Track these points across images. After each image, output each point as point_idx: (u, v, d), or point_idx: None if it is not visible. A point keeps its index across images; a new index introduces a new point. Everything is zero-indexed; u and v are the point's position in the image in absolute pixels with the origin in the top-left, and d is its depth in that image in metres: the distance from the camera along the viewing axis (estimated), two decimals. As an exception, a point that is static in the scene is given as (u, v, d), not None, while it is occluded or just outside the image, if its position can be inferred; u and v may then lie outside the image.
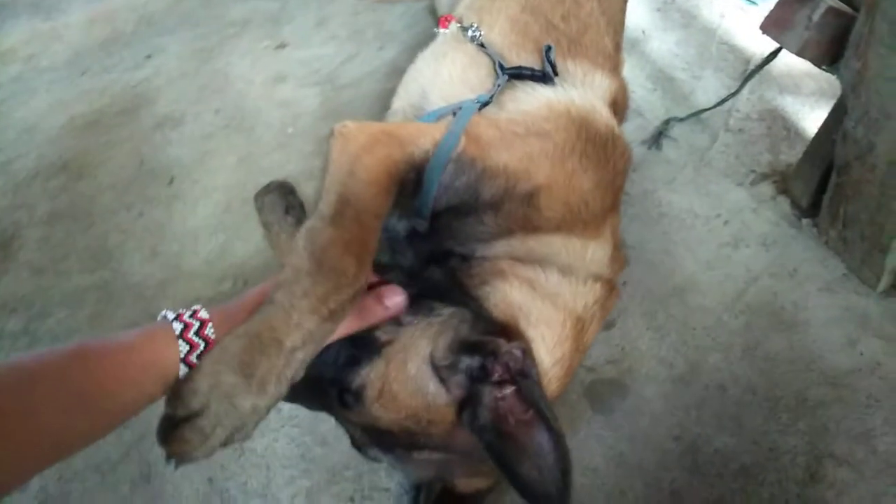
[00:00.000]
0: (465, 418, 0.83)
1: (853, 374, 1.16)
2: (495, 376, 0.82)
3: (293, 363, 0.72)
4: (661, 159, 1.59)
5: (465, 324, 0.88)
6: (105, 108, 2.22)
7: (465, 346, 0.85)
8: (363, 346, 0.87)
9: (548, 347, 0.92)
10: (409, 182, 0.95)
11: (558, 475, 0.74)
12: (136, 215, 1.78)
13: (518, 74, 1.17)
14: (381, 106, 1.86)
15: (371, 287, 0.86)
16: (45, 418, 0.61)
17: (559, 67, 1.19)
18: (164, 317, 0.74)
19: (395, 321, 0.88)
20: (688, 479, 1.08)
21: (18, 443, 0.59)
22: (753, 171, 1.51)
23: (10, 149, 2.15)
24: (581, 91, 1.16)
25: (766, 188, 1.48)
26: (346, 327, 0.81)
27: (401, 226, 1.09)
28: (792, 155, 1.50)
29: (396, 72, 1.81)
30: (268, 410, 0.72)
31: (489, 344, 0.84)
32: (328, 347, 0.81)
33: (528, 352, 0.85)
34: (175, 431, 0.67)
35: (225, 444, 0.70)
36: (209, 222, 1.70)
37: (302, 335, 0.72)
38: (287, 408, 1.26)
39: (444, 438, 0.86)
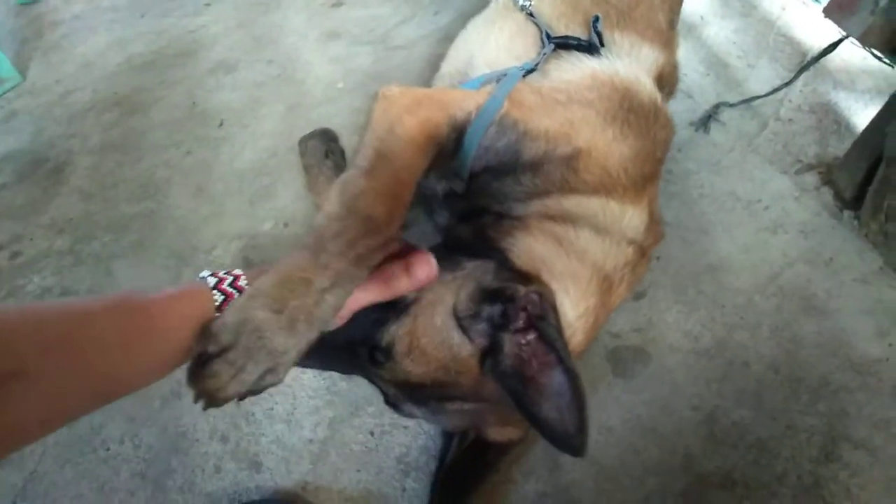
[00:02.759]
0: (488, 366, 0.85)
1: (880, 364, 1.15)
2: (518, 323, 0.84)
3: (322, 305, 0.72)
4: (708, 142, 1.59)
5: (487, 274, 0.91)
6: (162, 49, 2.27)
7: (486, 295, 0.87)
8: (391, 305, 0.88)
9: (572, 300, 0.93)
10: (450, 143, 0.97)
11: (576, 414, 0.76)
12: (184, 153, 1.83)
13: (564, 44, 1.17)
14: (432, 70, 1.88)
15: (399, 255, 0.86)
16: (91, 357, 0.62)
17: (606, 38, 1.20)
18: (202, 277, 0.76)
19: None
20: (702, 446, 1.10)
21: (65, 380, 0.60)
22: (800, 161, 1.50)
23: (69, 81, 2.22)
24: (626, 62, 1.16)
25: (811, 178, 1.47)
26: (372, 295, 0.82)
27: (439, 186, 1.12)
28: (840, 149, 1.48)
29: (449, 37, 1.82)
30: (298, 354, 0.72)
31: (508, 290, 0.86)
32: (356, 314, 0.83)
33: (544, 296, 0.86)
34: (205, 367, 0.66)
35: (255, 387, 0.69)
36: (255, 166, 1.74)
37: (330, 276, 0.72)
38: (316, 343, 1.31)
39: (473, 388, 0.89)
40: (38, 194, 1.78)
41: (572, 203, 1.00)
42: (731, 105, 1.64)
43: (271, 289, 0.70)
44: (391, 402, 0.99)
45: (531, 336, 0.83)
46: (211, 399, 0.67)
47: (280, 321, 0.69)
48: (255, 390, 0.69)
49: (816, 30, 1.78)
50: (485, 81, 1.12)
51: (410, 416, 0.99)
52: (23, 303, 1.51)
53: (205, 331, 0.67)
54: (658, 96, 1.14)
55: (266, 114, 1.91)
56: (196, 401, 0.67)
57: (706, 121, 1.62)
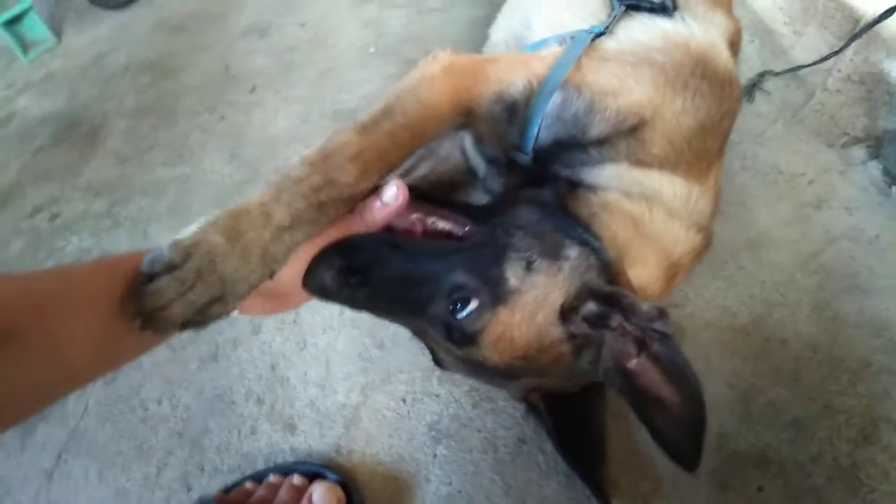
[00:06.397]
0: (585, 359, 0.82)
1: (925, 346, 1.12)
2: (629, 337, 0.78)
3: (278, 243, 0.72)
4: (752, 112, 1.54)
5: (591, 270, 0.84)
6: (194, 12, 2.27)
7: (593, 295, 0.81)
8: (488, 284, 0.80)
9: (641, 288, 0.89)
10: (499, 116, 0.93)
11: (693, 435, 0.73)
12: (217, 118, 1.83)
13: (635, 6, 1.07)
14: (468, 33, 1.85)
15: None
16: (83, 315, 0.61)
17: (680, 1, 1.10)
18: None
19: (526, 266, 0.82)
20: (737, 424, 1.08)
21: (62, 340, 0.59)
22: (847, 134, 1.45)
23: (103, 43, 2.24)
24: (703, 27, 1.07)
25: (858, 152, 1.42)
26: (348, 227, 0.82)
27: (498, 155, 1.07)
28: (891, 122, 1.42)
29: (485, 0, 1.79)
30: (249, 288, 0.70)
31: (621, 298, 0.78)
32: (436, 266, 0.81)
33: (664, 312, 0.76)
34: (151, 284, 0.63)
35: (202, 313, 0.66)
36: (287, 132, 1.74)
37: (290, 215, 0.72)
38: (349, 310, 1.31)
39: (545, 368, 0.85)
40: (75, 157, 1.81)
41: (644, 176, 0.95)
42: (777, 74, 1.58)
43: (229, 218, 0.70)
44: (439, 363, 0.95)
45: (642, 356, 0.77)
46: (151, 320, 0.62)
47: (234, 248, 0.68)
48: (201, 319, 0.66)
49: (870, -4, 1.70)
50: (546, 47, 1.05)
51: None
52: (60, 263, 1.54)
53: (153, 251, 0.65)
54: (734, 66, 1.06)
55: (298, 79, 1.90)
56: (134, 320, 0.62)
57: (750, 89, 1.56)
